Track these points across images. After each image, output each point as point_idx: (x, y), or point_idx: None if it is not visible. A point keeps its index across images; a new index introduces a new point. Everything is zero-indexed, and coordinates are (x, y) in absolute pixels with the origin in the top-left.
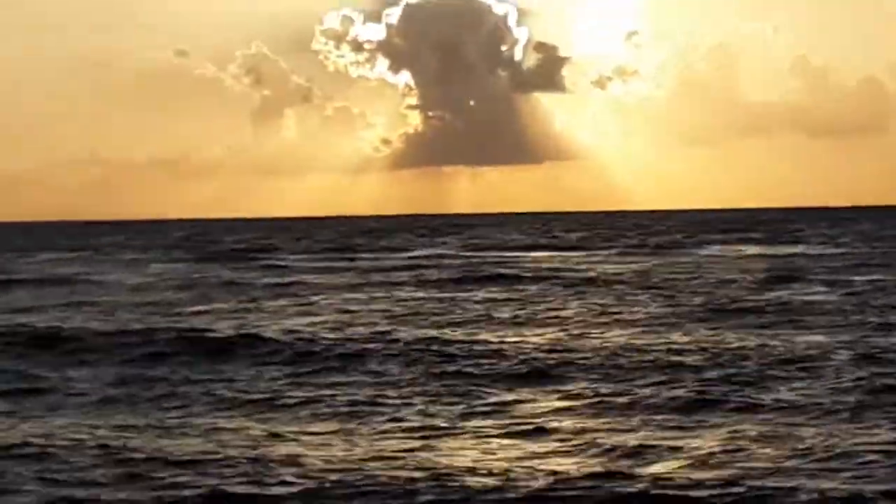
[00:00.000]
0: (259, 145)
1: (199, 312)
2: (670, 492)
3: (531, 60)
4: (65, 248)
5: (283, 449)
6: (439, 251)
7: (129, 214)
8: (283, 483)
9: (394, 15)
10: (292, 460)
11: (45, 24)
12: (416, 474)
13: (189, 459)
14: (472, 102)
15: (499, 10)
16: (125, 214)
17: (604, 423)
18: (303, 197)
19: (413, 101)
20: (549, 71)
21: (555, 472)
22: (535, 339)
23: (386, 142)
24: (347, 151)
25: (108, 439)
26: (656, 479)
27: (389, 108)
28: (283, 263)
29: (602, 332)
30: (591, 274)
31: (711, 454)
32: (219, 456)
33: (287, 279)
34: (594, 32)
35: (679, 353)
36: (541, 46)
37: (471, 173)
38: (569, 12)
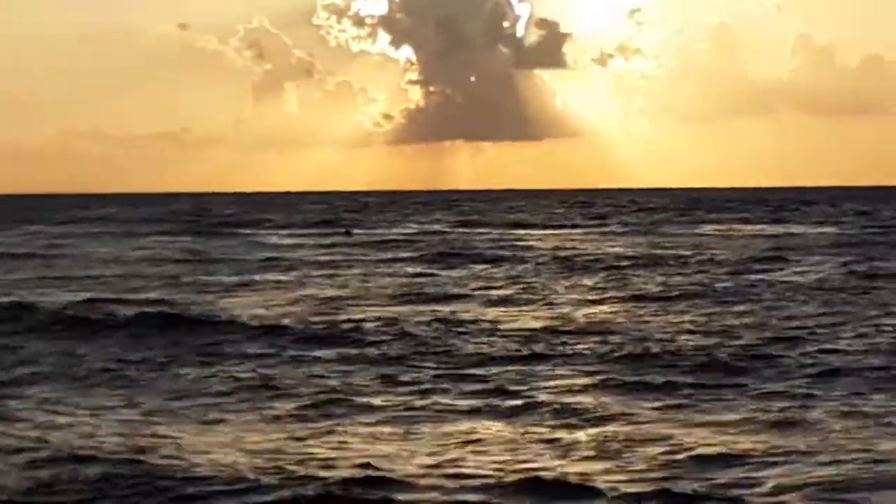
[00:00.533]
0: (260, 119)
1: (172, 286)
2: (678, 486)
3: (533, 37)
4: (52, 222)
5: (276, 436)
6: (434, 227)
7: (131, 188)
8: (275, 473)
9: None
10: (284, 446)
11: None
12: (425, 459)
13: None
14: (472, 78)
15: None
16: (127, 188)
17: (609, 407)
18: (304, 171)
19: (414, 76)
20: (550, 47)
21: (552, 458)
22: (527, 318)
23: (387, 117)
24: (349, 126)
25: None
26: (666, 467)
27: (391, 82)
28: (268, 240)
29: (594, 311)
30: (583, 251)
31: (719, 443)
32: (194, 445)
33: (270, 254)
34: (596, 9)
35: (675, 333)
36: (542, 23)
37: (471, 149)
38: None
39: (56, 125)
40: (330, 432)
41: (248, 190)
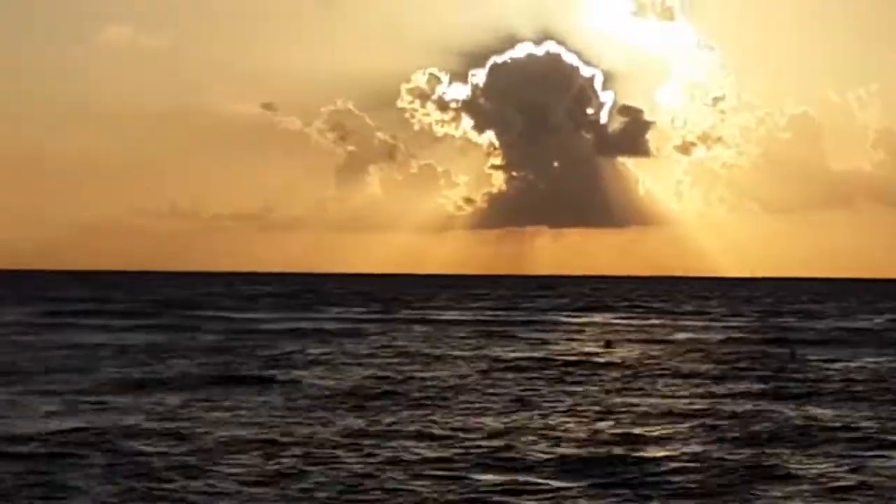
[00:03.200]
0: (343, 201)
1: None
2: None
3: (616, 123)
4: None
5: None
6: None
7: (211, 267)
8: None
9: (480, 75)
10: None
11: (131, 77)
12: None
13: None
14: (555, 164)
15: (585, 72)
16: (206, 266)
17: None
18: (385, 253)
19: (497, 160)
20: (633, 134)
21: None
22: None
23: (469, 200)
24: (431, 209)
25: None
26: None
27: (473, 167)
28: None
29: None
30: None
31: None
32: None
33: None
34: (680, 97)
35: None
36: (626, 110)
37: (553, 235)
38: (654, 77)
39: (133, 200)
40: None
41: (330, 271)
